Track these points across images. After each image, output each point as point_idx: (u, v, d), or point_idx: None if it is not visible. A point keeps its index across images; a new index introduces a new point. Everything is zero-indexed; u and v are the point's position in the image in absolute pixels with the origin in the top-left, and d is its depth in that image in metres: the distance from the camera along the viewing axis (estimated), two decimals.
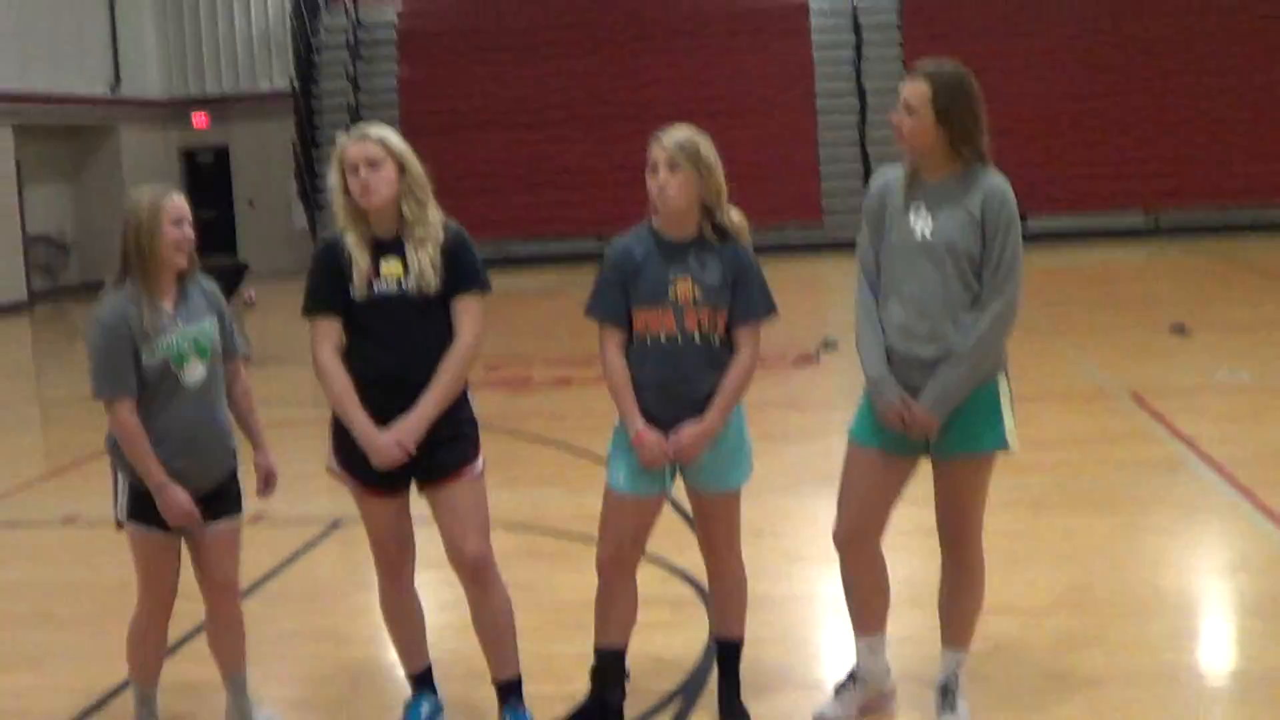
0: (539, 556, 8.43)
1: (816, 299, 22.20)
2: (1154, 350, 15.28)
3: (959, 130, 5.47)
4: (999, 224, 5.45)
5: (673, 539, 7.57)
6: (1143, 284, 22.74)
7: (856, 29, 32.64)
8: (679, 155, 5.52)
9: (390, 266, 5.58)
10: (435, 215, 5.66)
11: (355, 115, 32.81)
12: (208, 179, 35.18)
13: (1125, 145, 29.96)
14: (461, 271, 5.63)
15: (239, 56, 35.17)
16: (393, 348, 5.56)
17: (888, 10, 32.82)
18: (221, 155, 35.14)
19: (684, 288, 5.57)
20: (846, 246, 28.83)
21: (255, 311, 23.92)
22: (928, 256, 5.49)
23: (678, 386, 5.59)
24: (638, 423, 5.60)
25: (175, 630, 6.11)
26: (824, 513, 9.06)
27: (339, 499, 10.54)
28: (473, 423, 5.78)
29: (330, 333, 5.64)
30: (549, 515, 9.32)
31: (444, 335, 5.60)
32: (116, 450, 5.70)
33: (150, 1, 34.85)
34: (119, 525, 5.81)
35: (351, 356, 5.62)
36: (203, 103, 35.05)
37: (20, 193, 29.45)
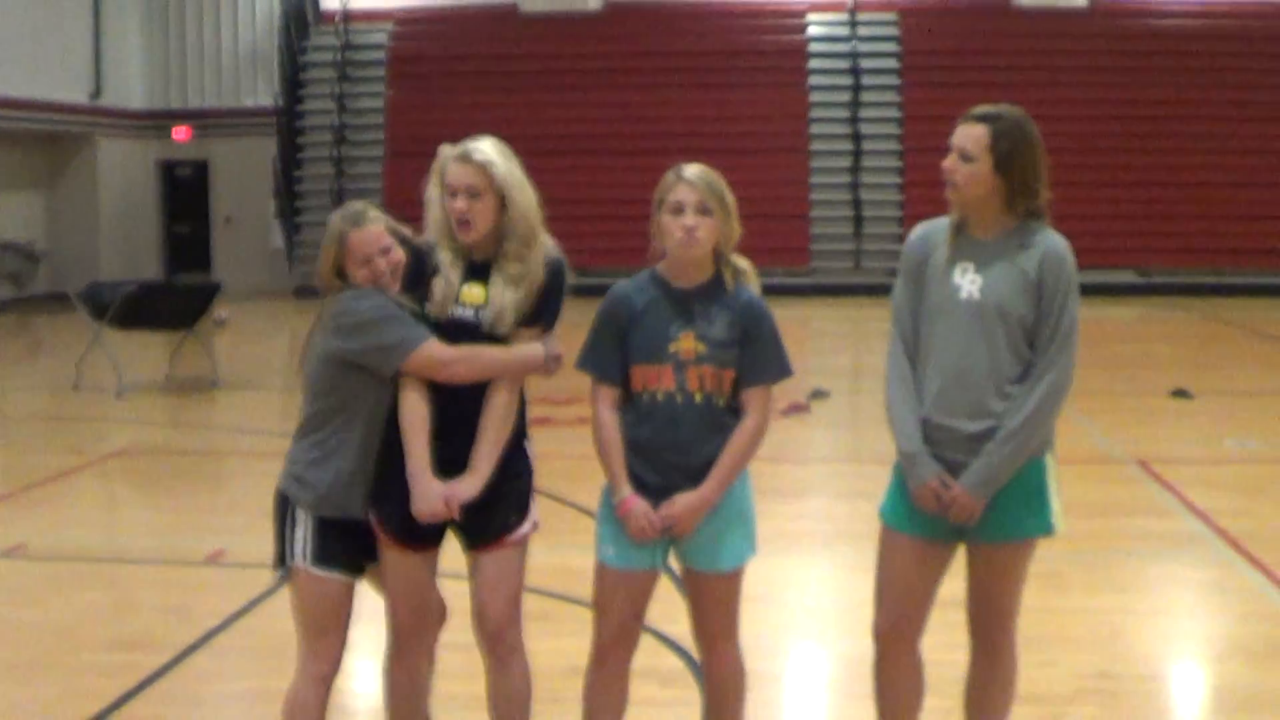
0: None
1: (804, 345, 21.63)
2: (1157, 415, 14.76)
3: (1018, 181, 4.94)
4: (1058, 288, 4.90)
5: (661, 605, 6.91)
6: (1139, 344, 22.24)
7: (855, 74, 32.14)
8: (710, 198, 4.95)
9: (472, 292, 5.09)
10: (539, 254, 5.11)
11: (339, 135, 32.35)
12: (186, 193, 34.70)
13: (1119, 201, 29.57)
14: (538, 308, 5.13)
15: (224, 71, 34.65)
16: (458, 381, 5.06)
17: (887, 57, 32.33)
18: (201, 170, 34.60)
19: (687, 343, 4.98)
20: (833, 292, 28.76)
21: (226, 332, 23.41)
22: (974, 319, 4.92)
23: (674, 451, 4.99)
24: (624, 489, 5.01)
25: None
26: (822, 579, 8.57)
27: None
28: (526, 476, 5.29)
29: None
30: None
31: None
32: (300, 485, 5.12)
33: (135, 11, 34.29)
34: (281, 573, 5.24)
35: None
36: (184, 116, 34.53)
37: None
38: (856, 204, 30.90)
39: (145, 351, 19.15)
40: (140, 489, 12.22)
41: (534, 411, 13.05)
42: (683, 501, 4.97)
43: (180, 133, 34.46)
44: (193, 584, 8.79)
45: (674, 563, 5.31)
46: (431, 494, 4.98)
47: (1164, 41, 31.37)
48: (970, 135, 4.96)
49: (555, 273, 5.16)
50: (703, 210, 4.94)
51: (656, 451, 5.01)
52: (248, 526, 10.16)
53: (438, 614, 5.49)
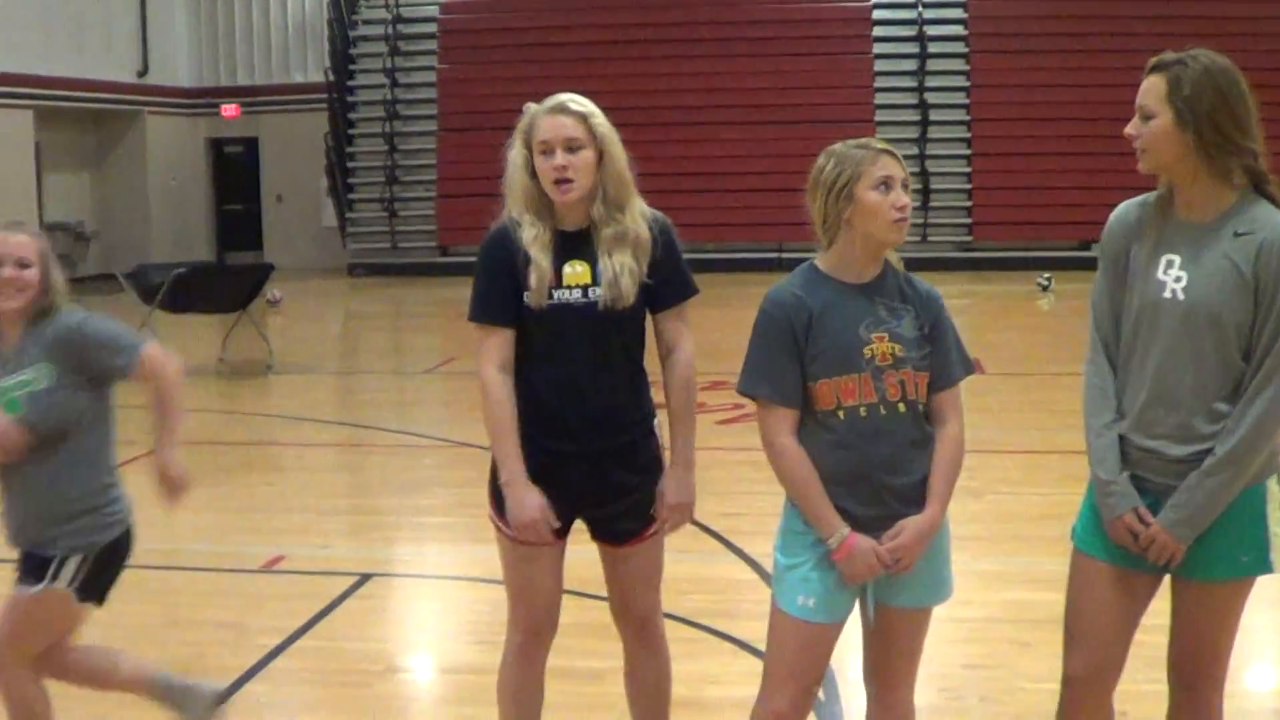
0: (606, 634, 6.74)
1: None
2: None
3: (1212, 136, 4.02)
4: (1279, 286, 3.96)
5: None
6: None
7: (920, 41, 31.21)
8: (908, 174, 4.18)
9: (576, 272, 4.51)
10: (636, 214, 4.58)
11: (391, 110, 31.67)
12: (236, 171, 34.24)
13: None
14: (668, 276, 4.61)
15: (273, 47, 34.14)
16: (576, 369, 4.60)
17: (954, 24, 31.38)
18: (251, 147, 34.10)
19: (882, 346, 4.16)
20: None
21: (280, 313, 22.77)
22: (1179, 325, 4.05)
23: (885, 473, 4.17)
24: (843, 527, 4.16)
25: None
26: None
27: (372, 543, 9.18)
28: (658, 468, 4.75)
29: (502, 347, 4.61)
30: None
31: (632, 353, 4.67)
32: None
33: None
34: None
35: (523, 377, 4.64)
36: (233, 93, 33.99)
37: (40, 179, 28.32)
38: (924, 175, 29.91)
39: (198, 333, 18.45)
40: (191, 485, 11.45)
41: None
42: (912, 528, 4.19)
43: (229, 110, 33.94)
44: (248, 595, 8.07)
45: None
46: (529, 506, 4.52)
47: (1246, 5, 30.23)
48: (1147, 89, 4.17)
49: (665, 229, 4.63)
50: (906, 187, 4.18)
51: (864, 476, 4.20)
52: (307, 527, 9.50)
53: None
